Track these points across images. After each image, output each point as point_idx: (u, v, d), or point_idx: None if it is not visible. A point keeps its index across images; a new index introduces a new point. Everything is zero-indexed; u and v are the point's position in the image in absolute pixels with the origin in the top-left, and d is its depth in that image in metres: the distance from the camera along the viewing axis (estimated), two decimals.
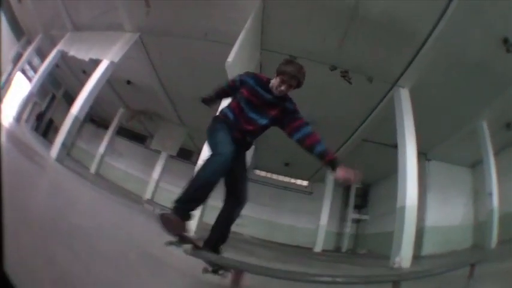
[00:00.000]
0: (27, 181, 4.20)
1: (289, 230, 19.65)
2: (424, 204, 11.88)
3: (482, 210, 10.76)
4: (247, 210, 3.04)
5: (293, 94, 2.93)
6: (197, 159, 18.95)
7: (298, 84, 2.84)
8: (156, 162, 18.59)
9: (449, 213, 12.39)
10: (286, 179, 21.37)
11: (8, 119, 13.53)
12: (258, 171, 20.75)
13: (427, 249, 11.29)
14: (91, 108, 10.97)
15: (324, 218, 16.62)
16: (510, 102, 8.96)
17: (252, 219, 16.42)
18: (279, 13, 8.05)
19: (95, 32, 11.81)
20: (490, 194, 9.39)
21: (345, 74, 9.16)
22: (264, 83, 2.90)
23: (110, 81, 13.07)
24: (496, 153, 10.00)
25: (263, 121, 2.91)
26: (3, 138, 5.86)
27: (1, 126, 6.84)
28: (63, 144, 9.71)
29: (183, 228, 2.65)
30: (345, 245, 18.25)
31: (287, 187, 21.17)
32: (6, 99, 13.55)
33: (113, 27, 11.04)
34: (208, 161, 2.69)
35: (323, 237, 16.19)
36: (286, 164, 18.77)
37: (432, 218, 12.19)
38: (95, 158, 17.79)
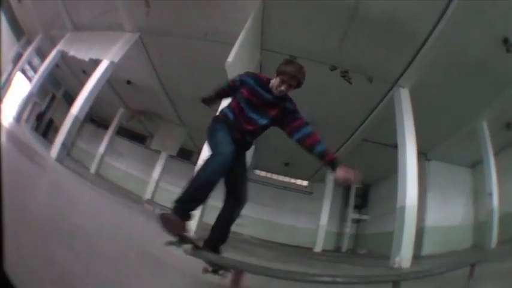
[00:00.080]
0: (27, 181, 4.20)
1: (289, 230, 19.66)
2: (424, 204, 11.88)
3: (482, 210, 10.76)
4: (247, 210, 3.05)
5: (293, 94, 2.93)
6: (197, 159, 18.95)
7: (298, 84, 2.84)
8: (156, 162, 18.59)
9: (449, 213, 12.39)
10: (286, 179, 21.36)
11: (8, 119, 13.52)
12: (258, 171, 20.75)
13: (427, 249, 11.29)
14: (91, 108, 10.97)
15: (324, 218, 16.62)
16: (510, 102, 8.96)
17: (252, 219, 16.42)
18: (279, 13, 8.04)
19: (95, 32, 11.81)
20: (490, 194, 9.38)
21: (345, 74, 9.16)
22: (264, 83, 2.90)
23: (109, 81, 13.06)
24: (496, 153, 10.00)
25: (263, 121, 2.91)
26: (3, 138, 5.86)
27: (1, 126, 6.84)
28: (63, 144, 9.71)
29: (183, 228, 2.65)
30: (345, 245, 18.25)
31: (287, 187, 21.17)
32: (6, 99, 13.53)
33: (113, 27, 11.04)
34: (208, 161, 2.69)
35: (323, 237, 16.19)
36: (286, 164, 18.77)
37: (432, 218, 12.19)
38: (95, 158, 17.78)
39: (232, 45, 7.35)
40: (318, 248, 15.80)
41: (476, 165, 12.64)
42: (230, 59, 6.84)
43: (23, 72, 16.75)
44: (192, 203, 2.65)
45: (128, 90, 15.65)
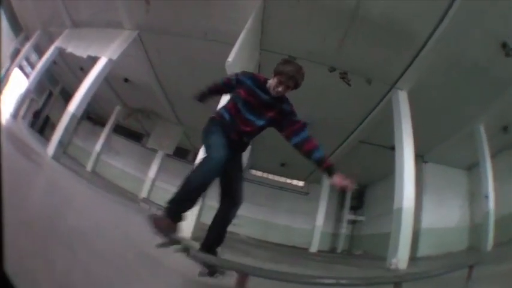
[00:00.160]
0: (24, 179, 4.16)
1: (285, 231, 19.72)
2: (420, 206, 11.92)
3: (478, 213, 10.81)
4: (243, 210, 3.05)
5: (291, 94, 2.91)
6: (193, 158, 18.99)
7: (296, 86, 2.82)
8: (152, 161, 18.56)
9: (445, 215, 12.45)
10: (282, 179, 21.40)
11: (5, 116, 13.44)
12: (254, 171, 20.74)
13: (423, 250, 11.31)
14: (88, 105, 10.90)
15: (320, 219, 16.68)
16: (507, 105, 9.02)
17: (248, 219, 16.42)
18: (279, 13, 8.04)
19: (93, 29, 11.74)
20: (487, 197, 9.43)
21: (344, 76, 9.18)
22: (262, 83, 2.88)
23: (107, 79, 13.00)
24: (493, 156, 10.05)
25: (260, 122, 2.90)
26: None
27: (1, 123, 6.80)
28: (60, 142, 9.64)
29: (174, 230, 2.66)
30: (341, 245, 18.31)
31: (283, 187, 21.20)
32: (4, 96, 13.45)
33: (112, 24, 10.99)
34: (199, 165, 2.71)
35: (319, 237, 16.24)
36: (283, 165, 18.79)
37: (428, 220, 12.23)
38: (91, 156, 17.71)
39: (231, 44, 7.33)
40: (313, 249, 15.85)
41: (472, 167, 12.71)
42: (230, 58, 6.83)
43: (21, 68, 16.66)
44: (183, 205, 2.67)
45: (125, 88, 15.59)
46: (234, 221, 2.99)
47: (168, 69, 12.35)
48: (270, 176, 21.35)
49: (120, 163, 21.00)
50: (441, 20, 7.09)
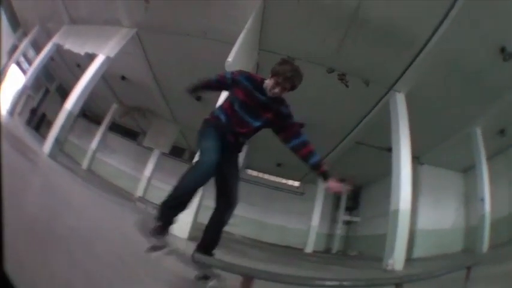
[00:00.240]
0: (20, 178, 4.13)
1: (280, 231, 19.70)
2: (416, 208, 11.96)
3: (473, 215, 10.88)
4: (238, 210, 3.04)
5: (288, 94, 2.90)
6: (189, 157, 18.96)
7: (293, 87, 2.81)
8: (148, 160, 18.52)
9: (441, 217, 12.55)
10: (278, 179, 21.38)
11: (1, 112, 13.37)
12: (249, 171, 20.72)
13: (418, 252, 11.37)
14: (84, 103, 10.84)
15: (316, 219, 16.71)
16: (504, 109, 9.08)
17: (243, 219, 16.40)
18: (279, 14, 8.03)
19: (91, 26, 11.67)
20: (482, 200, 9.48)
21: (342, 77, 9.19)
22: (258, 84, 2.86)
23: (104, 76, 12.92)
24: (489, 159, 10.10)
25: (256, 123, 2.89)
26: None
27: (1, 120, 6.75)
28: (57, 140, 9.58)
29: (163, 234, 2.74)
30: (336, 246, 18.34)
31: (279, 187, 21.19)
32: (1, 92, 13.37)
33: (110, 22, 10.91)
34: (191, 169, 2.77)
35: (314, 238, 16.27)
36: (279, 165, 18.77)
37: (423, 221, 12.31)
38: (86, 154, 17.63)
39: (231, 44, 7.31)
40: (308, 249, 15.88)
41: (468, 170, 12.79)
42: (230, 58, 6.81)
43: (18, 64, 16.57)
44: (174, 209, 2.72)
45: (122, 86, 15.50)
46: (230, 220, 2.99)
47: (165, 67, 12.29)
48: (266, 176, 21.31)
49: (116, 161, 20.90)
50: (440, 23, 7.11)
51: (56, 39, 12.64)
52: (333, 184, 2.74)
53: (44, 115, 20.96)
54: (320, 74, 9.14)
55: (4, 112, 14.45)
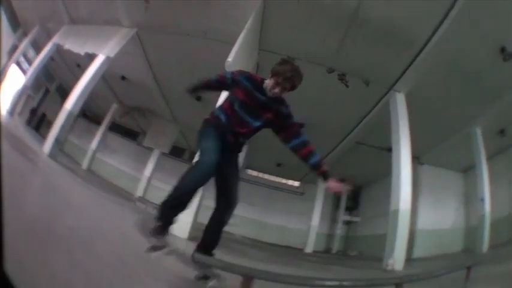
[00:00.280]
0: (20, 178, 4.13)
1: (280, 231, 19.68)
2: (416, 207, 11.96)
3: (473, 215, 10.88)
4: (238, 210, 3.03)
5: (288, 94, 2.89)
6: (189, 157, 18.94)
7: (293, 88, 2.81)
8: (148, 160, 18.51)
9: (441, 217, 12.55)
10: (278, 179, 21.36)
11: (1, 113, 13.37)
12: (250, 171, 20.71)
13: (418, 252, 11.38)
14: (84, 103, 10.83)
15: (316, 219, 16.70)
16: (505, 109, 9.09)
17: (243, 219, 16.39)
18: (279, 13, 8.02)
19: (91, 26, 11.66)
20: (482, 200, 9.49)
21: (342, 77, 9.19)
22: (259, 84, 2.86)
23: (104, 76, 12.91)
24: (489, 159, 10.11)
25: (256, 123, 2.89)
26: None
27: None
28: (57, 140, 9.57)
29: (163, 234, 2.75)
30: (336, 246, 18.33)
31: (278, 187, 21.18)
32: (1, 93, 13.37)
33: (111, 22, 10.90)
34: (191, 169, 2.77)
35: (314, 238, 16.26)
36: (279, 165, 18.75)
37: (423, 221, 12.31)
38: (86, 154, 17.62)
39: (230, 44, 7.31)
40: (309, 249, 15.87)
41: (467, 170, 12.79)
42: (230, 58, 6.80)
43: (18, 64, 16.56)
44: (174, 209, 2.73)
45: (122, 86, 15.50)
46: (230, 220, 2.99)
47: (165, 67, 12.28)
48: (266, 176, 21.29)
49: (116, 161, 20.89)
50: (440, 23, 7.11)
51: (56, 39, 12.63)
52: (333, 184, 2.75)
53: (44, 115, 20.96)
54: (320, 74, 9.13)
55: (4, 112, 14.45)
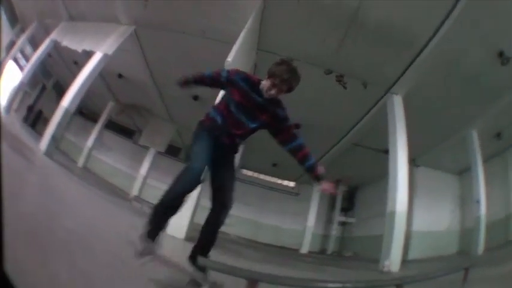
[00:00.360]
0: (17, 177, 4.10)
1: (275, 231, 19.70)
2: (411, 209, 12.01)
3: (468, 218, 10.95)
4: (233, 210, 3.01)
5: (286, 95, 2.85)
6: (185, 156, 18.82)
7: (290, 89, 2.77)
8: (144, 158, 18.46)
9: (436, 219, 12.62)
10: (273, 180, 21.38)
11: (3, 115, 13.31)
12: (245, 171, 20.70)
13: (413, 253, 11.42)
14: (81, 100, 10.78)
15: (311, 220, 16.73)
16: (501, 112, 9.15)
17: (238, 219, 16.41)
18: (279, 14, 8.03)
19: (89, 23, 11.62)
20: (478, 202, 9.54)
21: (340, 79, 9.20)
22: (255, 84, 2.81)
23: (101, 74, 12.88)
24: (484, 162, 10.16)
25: (253, 125, 2.85)
26: None
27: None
28: (53, 137, 9.53)
29: (154, 239, 2.69)
30: (331, 247, 18.38)
31: (274, 187, 21.20)
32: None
33: (108, 18, 10.86)
34: (180, 175, 2.71)
35: (310, 238, 16.29)
36: (274, 165, 18.76)
37: (419, 223, 12.36)
38: (82, 152, 17.57)
39: (229, 43, 7.31)
40: (304, 250, 15.90)
41: (463, 172, 12.87)
42: (230, 58, 6.79)
43: (15, 60, 16.48)
44: (163, 215, 2.74)
45: (119, 84, 15.47)
46: (225, 220, 2.96)
47: (163, 66, 12.25)
48: (261, 176, 21.30)
49: (111, 159, 20.81)
50: (440, 27, 7.15)
51: (53, 36, 12.57)
52: (326, 185, 2.79)
53: (40, 112, 20.86)
54: (318, 75, 9.14)
55: (1, 110, 14.36)
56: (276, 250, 14.57)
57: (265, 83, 2.74)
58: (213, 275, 2.74)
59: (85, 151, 17.48)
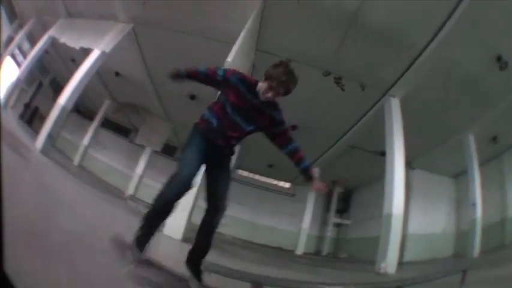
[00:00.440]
0: (13, 175, 4.07)
1: (271, 232, 19.68)
2: (407, 212, 12.05)
3: (464, 220, 10.99)
4: (229, 211, 2.98)
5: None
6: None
7: (287, 92, 2.72)
8: (140, 157, 18.41)
9: (432, 222, 12.67)
10: (269, 180, 21.37)
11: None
12: (240, 171, 20.67)
13: (409, 256, 11.45)
14: (78, 98, 10.72)
15: (307, 221, 16.71)
16: (498, 116, 9.21)
17: (234, 220, 16.39)
18: (279, 14, 8.03)
19: (87, 20, 11.56)
20: (474, 205, 9.60)
21: (338, 81, 9.21)
22: (252, 86, 2.75)
23: (98, 72, 12.79)
24: (480, 165, 10.22)
25: (249, 127, 2.82)
26: None
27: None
28: (49, 135, 9.47)
29: (144, 245, 2.70)
30: (326, 248, 18.41)
31: (269, 188, 21.21)
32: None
33: (107, 16, 10.80)
34: (170, 181, 2.71)
35: (305, 240, 16.28)
36: (270, 165, 18.75)
37: (414, 226, 12.39)
38: (78, 150, 17.44)
39: (228, 43, 7.31)
40: (299, 251, 15.88)
41: (459, 175, 12.94)
42: (230, 58, 6.78)
43: (13, 57, 16.39)
44: (153, 221, 2.77)
45: (116, 82, 15.39)
46: (221, 221, 2.94)
47: (160, 65, 12.16)
48: (257, 177, 21.28)
49: (107, 158, 20.69)
50: (439, 30, 7.18)
51: (51, 32, 12.48)
52: (317, 185, 2.88)
53: (36, 109, 20.73)
54: (316, 77, 9.15)
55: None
56: (271, 251, 14.57)
57: (262, 85, 2.69)
58: (214, 277, 2.74)
59: (81, 149, 17.35)
